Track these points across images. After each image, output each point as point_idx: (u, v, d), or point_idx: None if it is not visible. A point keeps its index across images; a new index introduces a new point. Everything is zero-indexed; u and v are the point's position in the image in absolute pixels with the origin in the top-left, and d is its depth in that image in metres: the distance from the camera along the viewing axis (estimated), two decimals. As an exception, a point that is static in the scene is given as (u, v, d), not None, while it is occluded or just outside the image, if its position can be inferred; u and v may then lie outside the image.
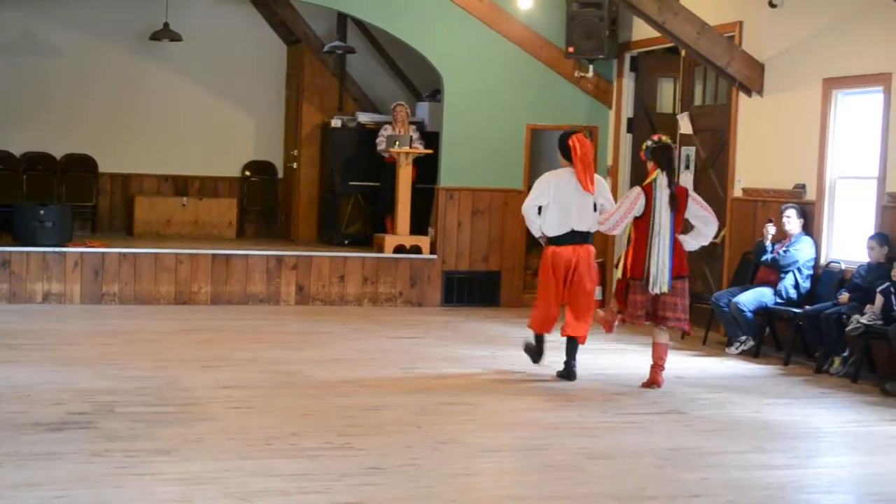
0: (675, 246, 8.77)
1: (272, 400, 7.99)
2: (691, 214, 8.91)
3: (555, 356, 9.23)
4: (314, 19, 15.70)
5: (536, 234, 9.10)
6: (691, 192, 9.09)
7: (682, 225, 8.94)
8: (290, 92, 16.35)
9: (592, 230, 9.01)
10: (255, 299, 12.87)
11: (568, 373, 9.04)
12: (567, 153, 8.93)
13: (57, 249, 12.33)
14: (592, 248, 9.10)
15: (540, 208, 9.00)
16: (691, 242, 8.99)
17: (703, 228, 8.96)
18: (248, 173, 16.53)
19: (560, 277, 8.97)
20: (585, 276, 8.97)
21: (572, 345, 9.06)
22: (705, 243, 9.15)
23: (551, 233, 8.98)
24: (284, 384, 8.55)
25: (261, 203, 16.54)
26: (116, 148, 15.83)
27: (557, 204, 8.91)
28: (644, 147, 9.05)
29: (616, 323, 9.17)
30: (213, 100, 16.21)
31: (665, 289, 8.71)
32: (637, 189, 8.84)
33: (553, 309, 9.09)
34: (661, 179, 8.75)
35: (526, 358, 9.37)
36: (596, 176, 9.01)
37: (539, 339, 9.27)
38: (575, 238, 8.95)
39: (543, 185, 8.98)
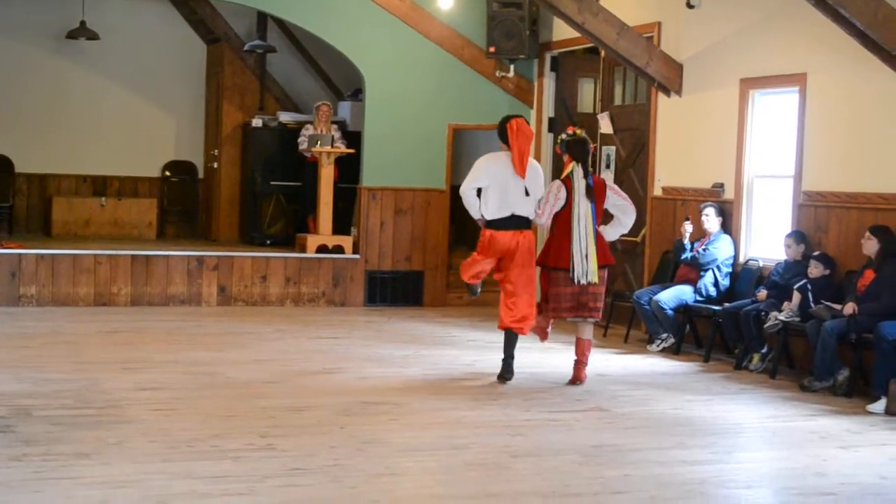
0: (598, 236, 8.85)
1: (193, 402, 7.91)
2: (610, 204, 9.02)
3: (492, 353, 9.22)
4: (234, 18, 15.60)
5: (476, 216, 8.95)
6: (609, 183, 9.21)
7: (601, 215, 9.03)
8: (211, 91, 16.22)
9: (531, 217, 8.93)
10: (176, 300, 12.73)
11: (506, 369, 8.93)
12: (504, 136, 8.90)
13: (-28, 251, 12.10)
14: (532, 235, 9.03)
15: (479, 192, 8.89)
16: (611, 232, 9.11)
17: (623, 217, 9.09)
18: (168, 173, 16.37)
19: (493, 261, 8.90)
20: (522, 266, 8.86)
21: (511, 338, 8.93)
22: (625, 231, 9.26)
23: (490, 216, 8.86)
24: (206, 385, 8.47)
25: (181, 203, 16.38)
26: (33, 148, 15.60)
27: (495, 187, 8.80)
28: (559, 140, 9.18)
29: (549, 328, 9.18)
30: (132, 99, 16.03)
31: (594, 278, 8.78)
32: (557, 182, 8.94)
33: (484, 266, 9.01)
34: (578, 171, 8.85)
35: (448, 357, 9.34)
36: (532, 162, 8.94)
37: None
38: (515, 223, 8.85)
39: (481, 168, 8.87)
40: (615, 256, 12.03)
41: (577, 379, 8.97)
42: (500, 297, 9.08)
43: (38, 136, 15.61)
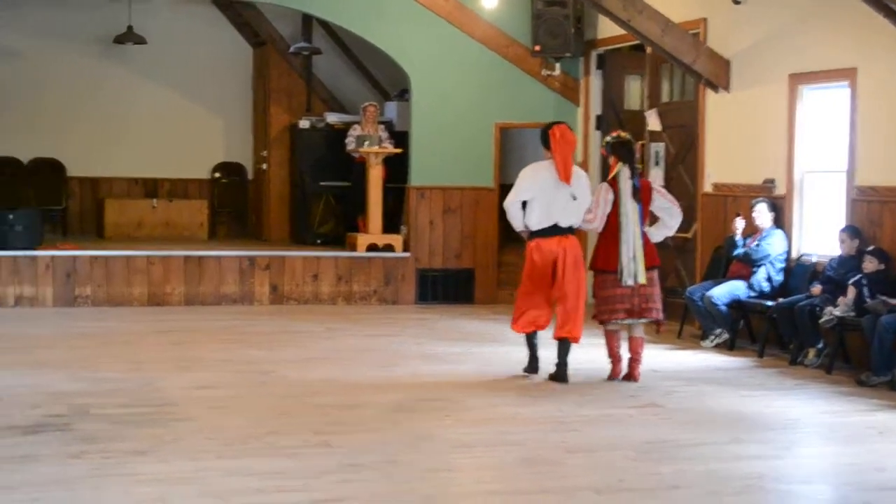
0: (644, 238, 8.84)
1: (248, 400, 7.96)
2: (656, 207, 9.03)
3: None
4: (279, 21, 15.69)
5: (519, 228, 8.91)
6: (655, 186, 9.21)
7: (648, 217, 9.02)
8: (258, 94, 16.32)
9: (575, 225, 8.88)
10: (229, 300, 12.82)
11: (560, 375, 8.81)
12: (547, 143, 8.87)
13: (28, 253, 12.24)
14: (577, 241, 8.98)
15: (524, 203, 8.86)
16: (656, 234, 9.12)
17: (669, 220, 9.10)
18: (217, 175, 16.49)
19: (547, 272, 8.78)
20: (573, 270, 8.78)
21: (564, 346, 8.84)
22: (670, 234, 9.29)
23: (534, 227, 8.82)
24: (260, 384, 8.52)
25: (231, 204, 16.50)
26: (84, 151, 15.79)
27: (541, 198, 8.75)
28: (604, 143, 9.24)
29: (621, 359, 9.03)
30: (180, 102, 16.17)
31: (642, 279, 8.76)
32: (605, 184, 8.96)
33: (541, 307, 8.86)
34: (624, 172, 8.85)
35: (501, 354, 9.32)
36: (576, 168, 8.90)
37: (530, 343, 9.00)
38: (558, 231, 8.81)
39: (527, 180, 8.80)
40: (666, 252, 12.08)
41: (631, 377, 8.94)
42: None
43: (89, 139, 15.79)
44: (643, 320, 8.95)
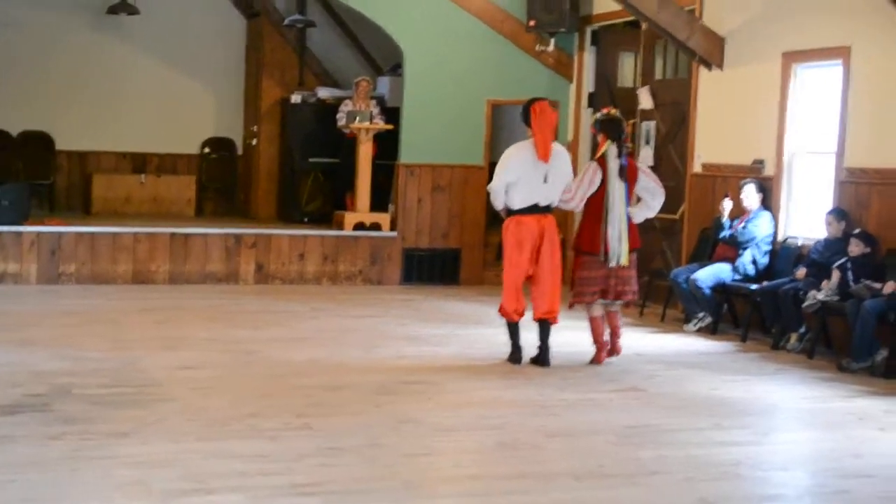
0: (628, 219, 8.83)
1: (231, 380, 7.95)
2: (641, 187, 9.01)
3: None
4: (274, -8, 15.59)
5: (499, 206, 8.87)
6: (642, 166, 9.17)
7: (633, 198, 9.00)
8: (250, 67, 16.25)
9: (554, 204, 8.85)
10: (214, 278, 12.78)
11: (542, 358, 8.80)
12: (528, 120, 8.80)
13: (13, 228, 12.16)
14: (554, 220, 8.91)
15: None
16: (638, 214, 9.08)
17: (651, 201, 9.06)
18: (207, 150, 16.43)
19: (528, 249, 8.72)
20: (550, 249, 8.75)
21: (545, 328, 8.81)
22: (651, 215, 9.25)
23: (516, 206, 8.76)
24: (243, 364, 8.51)
25: (220, 180, 16.44)
26: (73, 125, 15.69)
27: (524, 180, 8.69)
28: (593, 120, 9.20)
29: (607, 344, 9.03)
30: (172, 75, 16.07)
31: (624, 261, 8.75)
32: (593, 163, 8.91)
33: (521, 291, 8.83)
34: (612, 150, 8.82)
35: (485, 337, 9.30)
36: (556, 146, 8.82)
37: (514, 332, 8.93)
38: (538, 209, 8.75)
39: (511, 161, 8.73)
40: (653, 234, 12.07)
41: (613, 351, 8.97)
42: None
43: (78, 112, 15.69)
44: (618, 302, 8.94)
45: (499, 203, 8.86)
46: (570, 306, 9.04)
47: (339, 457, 6.10)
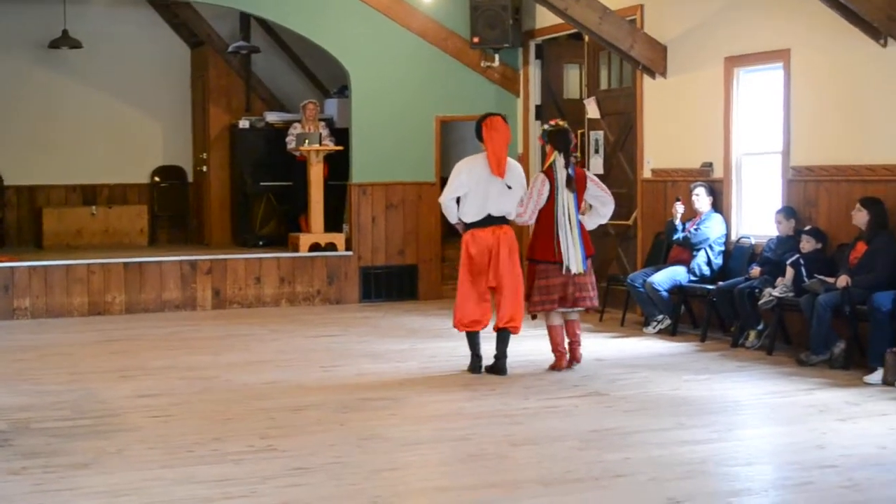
0: (581, 226, 8.89)
1: (192, 406, 7.89)
2: (590, 195, 9.08)
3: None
4: (217, 20, 15.56)
5: (453, 220, 8.92)
6: (589, 175, 9.22)
7: (582, 205, 9.07)
8: (196, 94, 16.20)
9: (510, 216, 8.88)
10: (171, 306, 12.71)
11: (499, 367, 8.83)
12: (480, 135, 8.86)
13: (-37, 267, 12.05)
14: (511, 231, 8.96)
15: (459, 198, 8.84)
16: (589, 222, 9.16)
17: (601, 209, 9.17)
18: (157, 179, 16.35)
19: (484, 261, 8.77)
20: (508, 259, 8.79)
21: (504, 338, 8.85)
22: (602, 222, 9.36)
23: (468, 219, 8.83)
24: (204, 390, 8.45)
25: (172, 208, 16.36)
26: (21, 159, 15.57)
27: (475, 192, 8.75)
28: (541, 132, 9.27)
29: (566, 351, 9.07)
30: (118, 106, 16.01)
31: (581, 268, 8.81)
32: (541, 175, 8.98)
33: (481, 302, 8.84)
34: (559, 160, 8.89)
35: (445, 350, 9.31)
36: (510, 161, 8.90)
37: (473, 342, 8.94)
38: (492, 220, 8.81)
39: (461, 175, 8.78)
40: (607, 240, 12.16)
41: (574, 359, 9.01)
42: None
43: (26, 147, 15.58)
44: (577, 309, 8.99)
45: (452, 217, 8.91)
46: (532, 316, 9.07)
47: (305, 476, 6.07)
